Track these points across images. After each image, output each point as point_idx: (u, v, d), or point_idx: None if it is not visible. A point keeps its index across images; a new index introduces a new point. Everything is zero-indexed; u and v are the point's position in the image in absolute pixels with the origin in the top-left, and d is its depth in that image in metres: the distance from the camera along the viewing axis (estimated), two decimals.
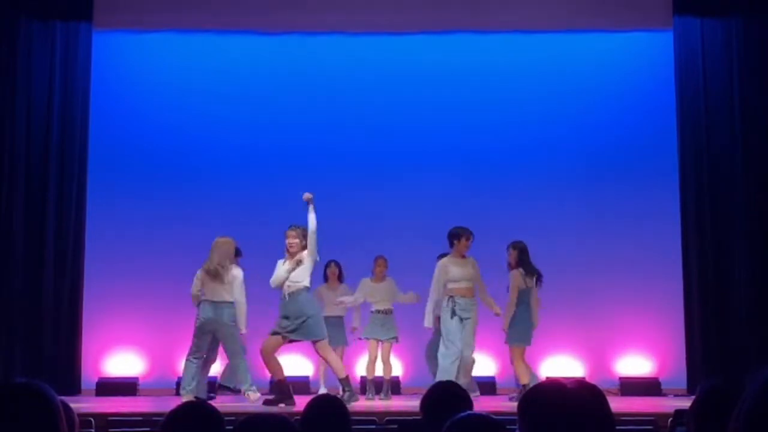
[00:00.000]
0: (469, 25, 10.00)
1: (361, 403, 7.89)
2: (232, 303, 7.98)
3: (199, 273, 8.02)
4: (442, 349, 7.95)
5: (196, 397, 7.22)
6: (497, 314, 8.15)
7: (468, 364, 8.04)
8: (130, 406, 7.72)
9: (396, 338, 8.72)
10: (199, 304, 8.00)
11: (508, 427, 2.22)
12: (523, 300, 8.19)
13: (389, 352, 8.70)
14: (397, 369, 9.67)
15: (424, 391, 3.41)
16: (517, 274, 8.24)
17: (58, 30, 9.56)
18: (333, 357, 7.94)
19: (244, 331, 8.10)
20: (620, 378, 9.48)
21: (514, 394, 8.12)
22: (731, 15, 9.56)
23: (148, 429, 5.80)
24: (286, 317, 7.72)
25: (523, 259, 8.27)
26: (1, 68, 9.36)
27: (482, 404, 7.06)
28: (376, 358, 8.67)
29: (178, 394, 8.41)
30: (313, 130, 10.12)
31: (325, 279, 9.08)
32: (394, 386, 9.26)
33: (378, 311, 8.72)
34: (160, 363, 9.66)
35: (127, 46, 10.23)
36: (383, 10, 9.88)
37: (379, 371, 8.73)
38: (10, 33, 9.39)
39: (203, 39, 10.21)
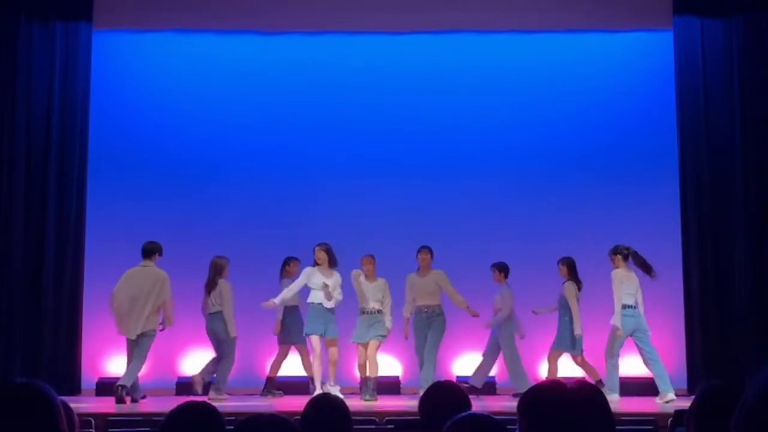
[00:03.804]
0: (469, 26, 9.99)
1: (362, 403, 7.89)
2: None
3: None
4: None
5: None
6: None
7: None
8: (130, 406, 7.72)
9: (383, 336, 8.65)
10: None
11: (508, 427, 2.22)
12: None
13: (374, 351, 8.63)
14: (397, 369, 9.67)
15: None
16: (571, 286, 8.76)
17: (58, 30, 9.56)
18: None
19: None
20: (620, 378, 9.45)
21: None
22: (731, 15, 9.56)
23: (148, 429, 5.80)
24: None
25: (573, 273, 8.83)
26: (1, 68, 9.36)
27: (482, 404, 7.07)
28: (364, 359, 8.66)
29: (178, 394, 8.46)
30: (314, 130, 10.11)
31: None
32: (393, 386, 9.25)
33: (365, 311, 8.73)
34: (160, 363, 9.64)
35: (127, 46, 10.23)
36: (382, 11, 9.86)
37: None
38: (10, 33, 9.39)
39: (203, 39, 10.20)
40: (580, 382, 1.85)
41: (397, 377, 9.55)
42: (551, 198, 9.90)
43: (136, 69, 10.19)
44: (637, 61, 10.14)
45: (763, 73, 9.38)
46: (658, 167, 9.83)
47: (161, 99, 10.14)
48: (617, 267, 8.55)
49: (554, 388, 1.82)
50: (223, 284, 8.73)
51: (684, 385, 9.16)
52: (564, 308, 8.72)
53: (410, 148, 10.07)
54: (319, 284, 8.53)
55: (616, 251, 8.60)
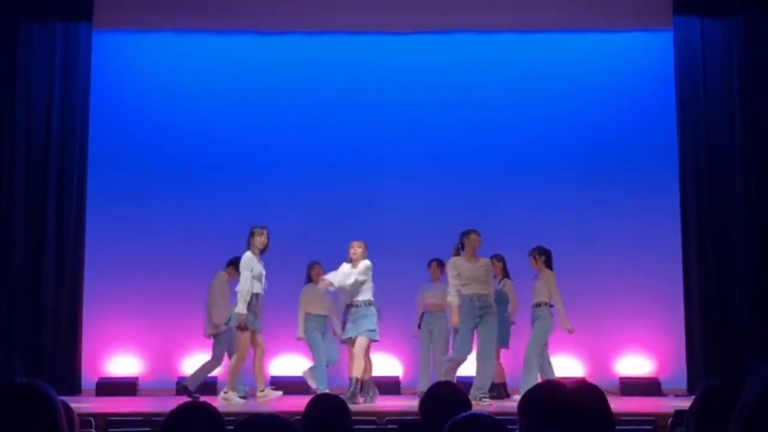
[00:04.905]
0: (469, 26, 10.00)
1: (361, 403, 7.87)
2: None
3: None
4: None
5: None
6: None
7: None
8: (130, 406, 7.72)
9: (371, 331, 7.84)
10: None
11: (508, 427, 2.22)
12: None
13: (361, 348, 7.81)
14: (397, 369, 9.67)
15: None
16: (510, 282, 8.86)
17: (58, 30, 9.56)
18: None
19: None
20: (620, 378, 9.48)
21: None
22: (731, 15, 9.57)
23: (148, 429, 5.80)
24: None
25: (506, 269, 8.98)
26: (1, 68, 9.36)
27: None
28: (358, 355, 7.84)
29: (178, 394, 8.47)
30: (314, 130, 10.12)
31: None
32: (393, 386, 9.22)
33: (347, 304, 8.03)
34: (160, 363, 9.65)
35: (127, 46, 10.23)
36: (382, 11, 9.87)
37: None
38: (10, 33, 9.39)
39: (203, 39, 10.21)
40: (579, 382, 1.85)
41: (397, 377, 9.55)
42: (551, 196, 9.90)
43: (136, 69, 10.19)
44: (637, 61, 10.15)
45: (763, 73, 9.38)
46: (658, 167, 9.84)
47: (161, 99, 10.15)
48: (540, 268, 8.39)
49: (554, 388, 1.82)
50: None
51: (684, 385, 9.17)
52: (502, 305, 8.56)
53: (410, 147, 10.07)
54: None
55: (542, 252, 8.42)
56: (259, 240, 7.92)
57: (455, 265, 7.97)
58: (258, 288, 7.88)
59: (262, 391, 8.01)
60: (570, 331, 8.33)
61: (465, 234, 8.08)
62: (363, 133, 10.13)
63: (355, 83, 10.13)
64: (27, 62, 9.45)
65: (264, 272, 7.96)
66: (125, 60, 10.21)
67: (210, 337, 8.74)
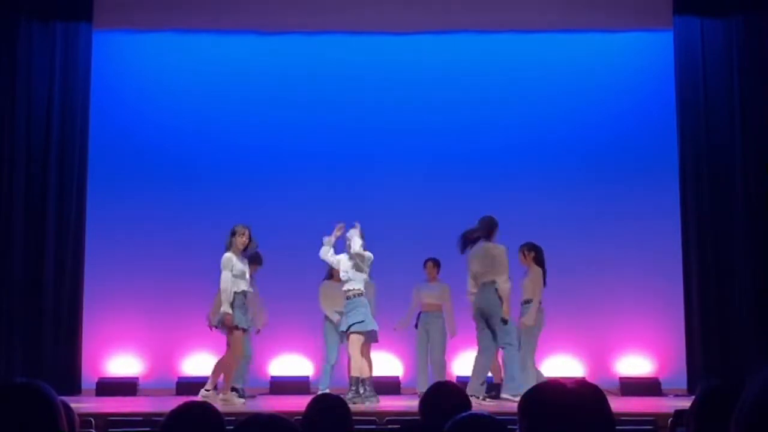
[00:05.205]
0: (469, 25, 10.00)
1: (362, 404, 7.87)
2: None
3: None
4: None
5: None
6: None
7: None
8: (130, 406, 7.72)
9: (359, 323, 7.75)
10: None
11: (509, 427, 2.22)
12: None
13: (355, 346, 7.77)
14: (398, 369, 9.66)
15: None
16: None
17: (58, 30, 9.56)
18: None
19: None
20: (620, 378, 9.47)
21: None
22: (731, 15, 9.57)
23: (148, 429, 5.80)
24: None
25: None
26: (1, 68, 9.36)
27: (482, 404, 7.06)
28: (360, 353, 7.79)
29: (178, 394, 8.46)
30: (315, 130, 10.12)
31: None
32: (393, 386, 9.21)
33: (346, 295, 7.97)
34: (160, 363, 9.65)
35: (127, 46, 10.23)
36: (382, 11, 9.87)
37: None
38: (10, 33, 9.39)
39: (203, 39, 10.21)
40: (580, 382, 1.85)
41: (397, 377, 9.54)
42: (550, 196, 9.89)
43: (136, 69, 10.19)
44: (637, 61, 10.15)
45: (763, 73, 9.39)
46: (658, 167, 9.84)
47: (161, 99, 10.14)
48: (529, 264, 8.23)
49: (555, 388, 1.82)
50: None
51: (684, 385, 9.17)
52: None
53: (410, 147, 10.06)
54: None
55: (532, 248, 8.26)
56: (240, 240, 7.85)
57: (505, 253, 7.83)
58: (244, 286, 7.81)
59: (208, 390, 7.73)
60: (522, 325, 7.98)
61: (495, 222, 7.97)
62: (363, 133, 10.13)
63: (355, 83, 10.12)
64: (27, 62, 9.45)
65: (247, 270, 7.88)
66: (125, 60, 10.21)
67: (213, 329, 8.66)
